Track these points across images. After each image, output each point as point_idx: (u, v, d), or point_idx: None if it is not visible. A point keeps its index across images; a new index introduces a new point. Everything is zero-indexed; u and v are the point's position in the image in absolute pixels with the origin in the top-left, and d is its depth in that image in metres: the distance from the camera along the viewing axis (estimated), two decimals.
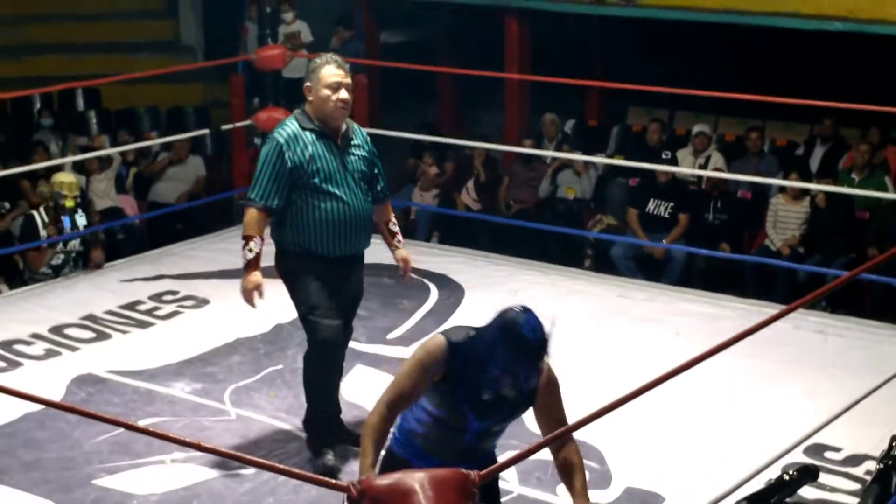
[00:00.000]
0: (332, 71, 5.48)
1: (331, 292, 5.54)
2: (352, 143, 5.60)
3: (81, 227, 8.47)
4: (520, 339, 3.82)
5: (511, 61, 11.70)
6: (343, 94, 5.48)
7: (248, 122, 9.54)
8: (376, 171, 5.74)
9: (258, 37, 10.14)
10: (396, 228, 5.93)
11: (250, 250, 5.45)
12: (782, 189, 9.85)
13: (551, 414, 4.05)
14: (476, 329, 3.99)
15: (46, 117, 12.55)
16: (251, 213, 5.47)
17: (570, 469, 4.08)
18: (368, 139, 5.73)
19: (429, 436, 3.97)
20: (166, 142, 11.33)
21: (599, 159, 10.95)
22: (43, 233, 8.47)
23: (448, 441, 3.96)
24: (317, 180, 5.44)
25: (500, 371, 3.83)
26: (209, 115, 13.54)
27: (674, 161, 10.44)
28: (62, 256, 8.48)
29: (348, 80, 5.52)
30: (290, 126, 5.51)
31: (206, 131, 11.23)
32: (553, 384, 4.01)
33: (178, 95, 13.96)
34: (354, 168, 5.56)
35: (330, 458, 5.62)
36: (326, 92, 5.46)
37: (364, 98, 10.80)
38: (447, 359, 3.90)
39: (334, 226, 5.48)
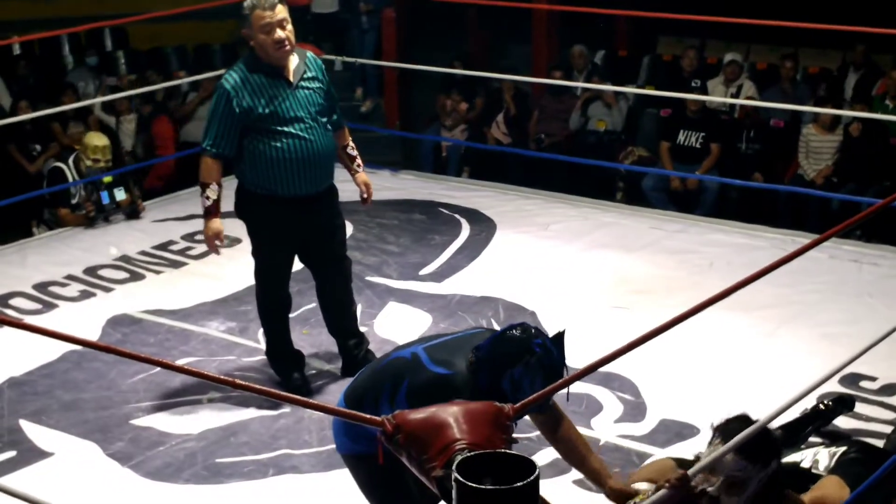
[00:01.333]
0: (260, 14, 5.41)
1: (289, 234, 5.63)
2: (304, 76, 5.57)
3: (119, 201, 8.28)
4: (539, 369, 3.76)
5: None
6: (277, 34, 5.41)
7: None
8: (332, 101, 5.73)
9: None
10: (355, 153, 5.96)
11: (208, 197, 5.58)
12: (814, 119, 9.76)
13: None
14: (485, 361, 3.82)
15: (92, 56, 12.55)
16: (206, 162, 5.56)
17: (576, 447, 4.06)
18: (323, 69, 5.71)
19: None
20: (194, 80, 11.31)
21: (630, 90, 10.87)
22: (73, 191, 8.40)
23: None
24: (269, 122, 5.46)
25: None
26: (237, 53, 13.49)
27: (703, 90, 10.36)
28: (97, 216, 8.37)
29: (281, 16, 5.43)
30: (238, 72, 5.50)
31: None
32: None
33: (205, 33, 13.91)
34: (310, 102, 5.55)
35: (296, 377, 5.82)
36: (262, 36, 5.43)
37: (392, 33, 10.75)
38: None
39: (294, 163, 5.50)
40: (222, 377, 3.30)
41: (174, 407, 5.71)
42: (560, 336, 3.89)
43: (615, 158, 10.46)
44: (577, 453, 4.09)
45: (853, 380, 5.72)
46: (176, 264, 7.51)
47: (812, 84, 10.79)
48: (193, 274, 7.37)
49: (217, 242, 5.67)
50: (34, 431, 5.50)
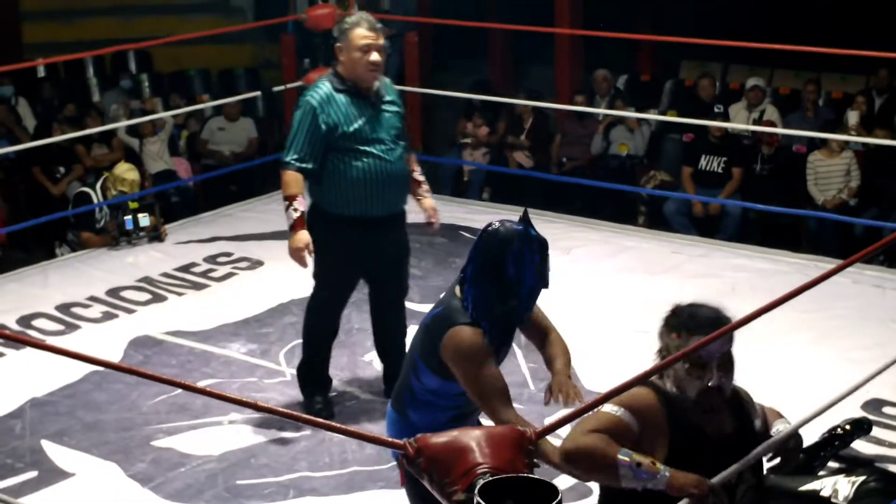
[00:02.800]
0: (362, 33, 5.47)
1: (358, 258, 5.62)
2: (384, 100, 5.61)
3: (143, 227, 8.23)
4: (532, 239, 3.99)
5: (562, 17, 11.61)
6: (374, 56, 5.47)
7: (299, 83, 9.53)
8: (404, 127, 5.77)
9: None
10: (422, 178, 5.95)
11: (295, 210, 5.51)
12: (821, 145, 9.76)
13: (537, 317, 4.24)
14: (471, 279, 4.01)
15: (126, 79, 12.62)
16: (290, 175, 5.51)
17: (553, 347, 4.25)
18: (398, 94, 5.75)
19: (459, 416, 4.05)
20: (218, 104, 11.35)
21: (652, 116, 10.87)
22: (98, 215, 8.40)
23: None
24: (352, 141, 5.48)
25: (533, 282, 3.97)
26: (260, 77, 13.55)
27: (726, 115, 10.35)
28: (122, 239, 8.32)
29: (380, 42, 5.50)
30: (323, 88, 5.52)
31: (257, 93, 11.25)
32: None
33: (228, 57, 13.97)
34: (389, 125, 5.59)
35: (318, 401, 5.79)
36: (357, 54, 5.46)
37: (415, 57, 10.76)
38: (489, 342, 3.96)
39: (372, 184, 5.52)
40: (244, 399, 3.30)
41: (195, 428, 5.72)
42: (525, 215, 4.10)
43: (637, 183, 10.45)
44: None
45: (876, 405, 5.69)
46: (198, 286, 7.53)
47: (835, 109, 10.77)
48: (215, 296, 7.38)
49: (306, 253, 5.56)
50: (56, 452, 5.52)
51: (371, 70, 5.49)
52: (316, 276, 5.77)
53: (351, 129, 5.47)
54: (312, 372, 5.89)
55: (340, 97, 5.49)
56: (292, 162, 5.50)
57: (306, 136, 5.47)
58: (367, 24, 5.50)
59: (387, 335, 5.94)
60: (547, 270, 4.03)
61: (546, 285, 4.05)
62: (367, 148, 5.49)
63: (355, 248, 5.60)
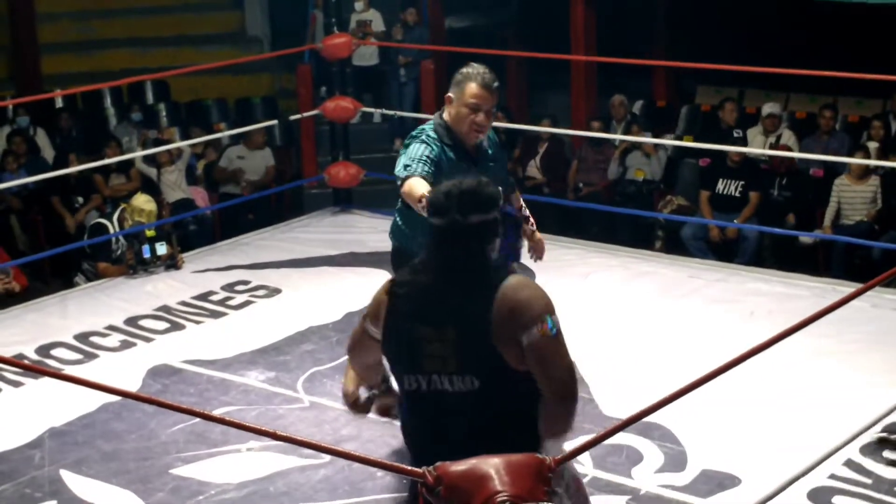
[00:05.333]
0: (474, 90, 5.21)
1: None
2: (486, 154, 5.45)
3: (160, 256, 8.18)
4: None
5: (577, 44, 11.64)
6: (480, 117, 5.24)
7: (316, 112, 9.57)
8: (504, 172, 5.69)
9: (324, 25, 10.14)
10: (527, 213, 5.90)
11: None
12: (848, 169, 9.75)
13: None
14: None
15: (136, 112, 12.69)
16: (416, 179, 5.08)
17: None
18: (498, 143, 5.63)
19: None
20: (234, 133, 11.39)
21: (668, 141, 10.87)
22: (114, 246, 8.42)
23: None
24: None
25: None
26: (277, 106, 13.61)
27: (744, 140, 10.35)
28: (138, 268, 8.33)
29: (490, 104, 5.26)
30: (434, 137, 5.29)
31: (274, 122, 11.29)
32: None
33: (245, 86, 14.05)
34: (488, 177, 5.49)
35: None
36: (465, 111, 5.24)
37: (431, 85, 10.81)
38: None
39: None
40: (262, 428, 3.30)
41: (214, 457, 5.71)
42: None
43: (654, 208, 10.45)
44: None
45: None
46: (216, 314, 7.53)
47: (852, 133, 10.76)
48: (233, 324, 7.38)
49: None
50: (75, 482, 5.51)
51: (475, 130, 5.28)
52: None
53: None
54: None
55: (449, 152, 5.29)
56: (415, 172, 5.12)
57: (422, 154, 5.18)
58: (482, 81, 5.22)
59: None
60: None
61: None
62: None
63: None
